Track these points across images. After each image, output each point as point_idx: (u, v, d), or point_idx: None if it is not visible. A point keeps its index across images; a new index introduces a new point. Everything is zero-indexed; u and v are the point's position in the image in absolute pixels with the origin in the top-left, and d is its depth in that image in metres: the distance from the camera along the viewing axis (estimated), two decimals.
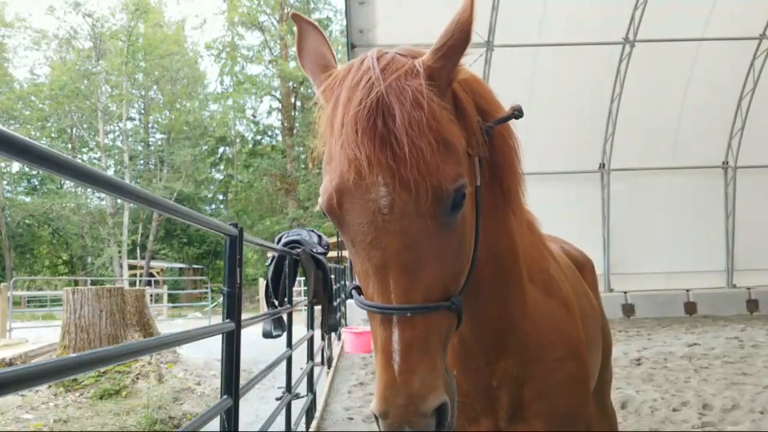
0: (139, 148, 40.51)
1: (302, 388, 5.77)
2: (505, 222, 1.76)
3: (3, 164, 35.19)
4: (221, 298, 3.07)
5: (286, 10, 41.52)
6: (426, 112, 1.29)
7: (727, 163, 17.59)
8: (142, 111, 41.61)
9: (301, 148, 39.57)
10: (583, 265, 2.83)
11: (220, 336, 2.79)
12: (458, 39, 1.40)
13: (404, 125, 1.27)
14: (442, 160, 1.29)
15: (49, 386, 8.26)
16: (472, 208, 1.46)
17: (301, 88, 41.59)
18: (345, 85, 1.38)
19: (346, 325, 13.96)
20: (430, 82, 1.35)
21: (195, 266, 41.22)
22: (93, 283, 27.99)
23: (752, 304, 16.71)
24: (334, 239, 17.66)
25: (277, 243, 5.36)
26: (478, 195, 1.48)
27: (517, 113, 1.67)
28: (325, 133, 1.40)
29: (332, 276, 9.49)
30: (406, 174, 1.26)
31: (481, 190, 1.56)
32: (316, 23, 1.66)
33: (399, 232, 1.29)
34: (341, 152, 1.31)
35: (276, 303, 5.05)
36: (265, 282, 5.59)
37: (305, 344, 6.17)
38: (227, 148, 43.93)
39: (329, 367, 9.17)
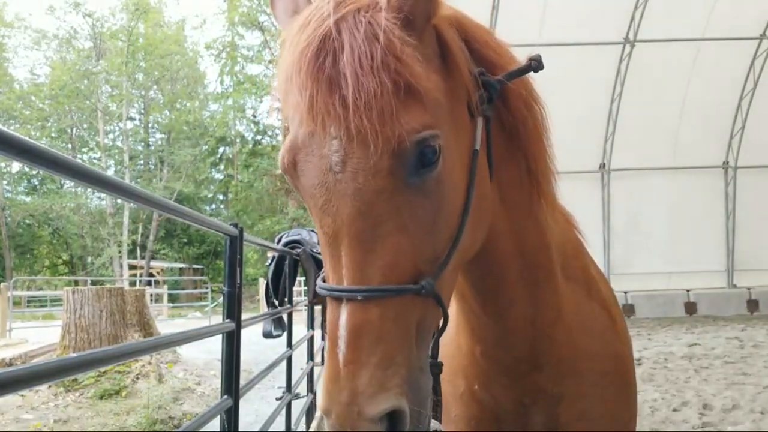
0: (139, 148, 40.53)
1: (302, 388, 5.76)
2: (533, 208, 1.49)
3: (3, 164, 35.18)
4: (221, 298, 3.07)
5: None
6: (382, 46, 1.05)
7: (728, 163, 17.59)
8: (142, 111, 41.61)
9: None
10: None
11: (220, 336, 2.78)
12: None
13: (353, 63, 1.04)
14: (401, 105, 1.05)
15: (49, 386, 8.26)
16: (462, 174, 1.20)
17: None
18: (297, 23, 1.17)
19: None
20: (395, 14, 1.10)
21: (195, 266, 41.20)
22: (93, 283, 28.00)
23: (752, 304, 16.70)
24: None
25: (277, 243, 5.36)
26: (474, 161, 1.22)
27: (534, 64, 1.40)
28: (278, 82, 1.18)
29: None
30: (356, 122, 1.03)
31: (499, 165, 1.35)
32: None
33: (351, 193, 1.06)
34: (287, 101, 1.13)
35: (276, 303, 5.05)
36: (265, 282, 5.58)
37: (305, 344, 6.16)
38: (227, 148, 43.90)
39: None
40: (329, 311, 1.11)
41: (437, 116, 1.12)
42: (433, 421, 1.37)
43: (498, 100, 1.36)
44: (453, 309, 1.72)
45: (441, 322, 1.21)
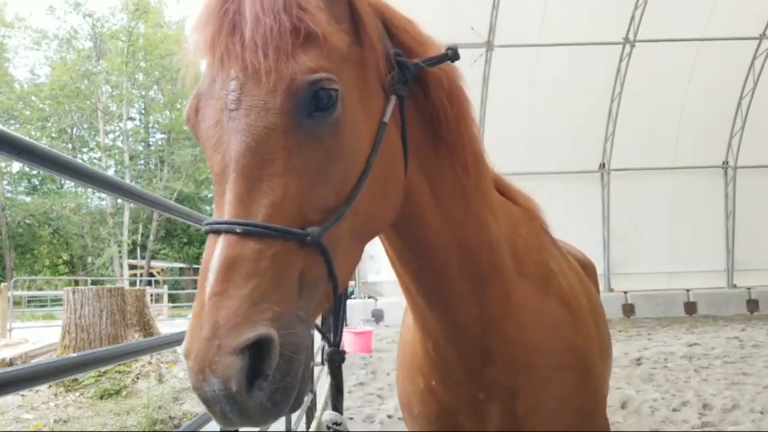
0: (140, 148, 40.54)
1: None
2: (470, 203, 1.50)
3: (3, 164, 35.19)
4: None
5: None
6: None
7: (727, 163, 17.60)
8: (143, 111, 41.62)
9: None
10: (585, 267, 2.60)
11: None
12: None
13: (254, 5, 1.07)
14: (298, 46, 1.07)
15: (50, 386, 8.26)
16: (366, 138, 1.19)
17: None
18: None
19: (346, 325, 13.97)
20: None
21: (195, 266, 41.17)
22: (93, 282, 28.02)
23: (752, 304, 16.71)
24: None
25: None
26: (381, 131, 1.22)
27: (451, 53, 1.39)
28: (189, 34, 1.20)
29: None
30: (251, 59, 1.05)
31: (426, 158, 1.40)
32: None
33: (242, 129, 1.05)
34: (195, 49, 1.14)
35: None
36: None
37: None
38: None
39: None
40: (206, 247, 1.05)
41: (337, 66, 1.13)
42: (331, 412, 1.37)
43: (417, 86, 1.38)
44: (406, 306, 1.74)
45: (332, 291, 1.14)
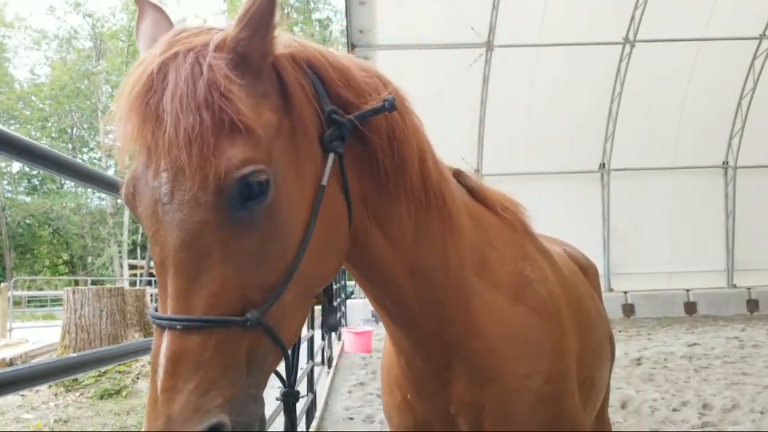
0: None
1: (302, 388, 5.77)
2: (422, 231, 1.52)
3: (3, 164, 35.20)
4: None
5: (285, 11, 41.54)
6: (204, 84, 1.08)
7: (727, 163, 17.60)
8: None
9: None
10: (586, 270, 2.63)
11: None
12: (262, 4, 1.14)
13: (173, 101, 1.08)
14: (222, 141, 1.08)
15: (50, 386, 8.27)
16: (303, 207, 1.21)
17: None
18: (136, 63, 1.21)
19: (346, 325, 13.98)
20: (227, 55, 1.14)
21: None
22: (93, 282, 28.02)
23: (752, 304, 16.71)
24: None
25: None
26: (320, 195, 1.23)
27: (387, 105, 1.38)
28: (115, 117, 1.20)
29: None
30: (176, 157, 1.07)
31: (372, 199, 1.42)
32: (158, 4, 1.46)
33: (177, 224, 1.08)
34: (122, 134, 1.16)
35: None
36: None
37: (305, 344, 6.17)
38: None
39: (329, 366, 9.17)
40: (154, 339, 1.09)
41: (266, 152, 1.13)
42: None
43: (354, 137, 1.37)
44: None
45: (281, 354, 1.19)
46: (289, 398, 1.36)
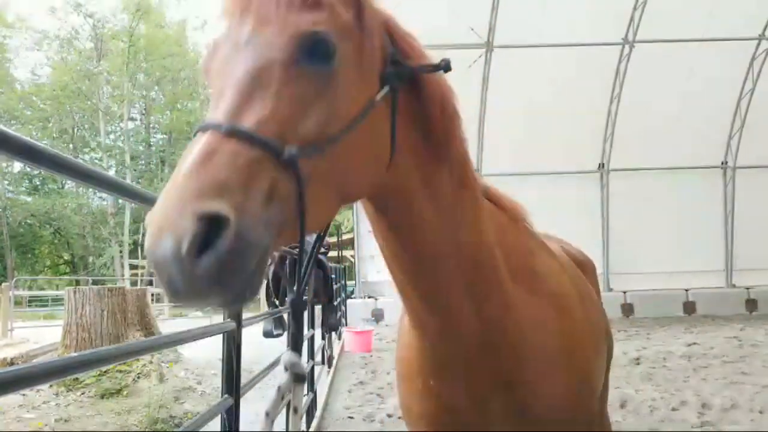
0: (141, 148, 40.57)
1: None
2: (464, 206, 1.60)
3: (5, 164, 35.22)
4: None
5: None
6: None
7: (726, 163, 17.61)
8: (144, 111, 41.67)
9: None
10: (584, 265, 2.67)
11: (221, 335, 2.80)
12: None
13: None
14: (306, 7, 1.24)
15: (51, 385, 8.28)
16: (357, 100, 1.30)
17: None
18: None
19: (346, 325, 13.99)
20: None
21: None
22: (94, 282, 28.00)
23: (751, 304, 16.72)
24: (334, 239, 17.70)
25: None
26: (369, 105, 1.32)
27: (444, 64, 1.51)
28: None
29: (332, 276, 9.51)
30: (267, 11, 1.22)
31: (422, 158, 1.50)
32: None
33: (246, 59, 1.18)
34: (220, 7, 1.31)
35: (277, 303, 5.07)
36: (265, 282, 5.61)
37: (306, 343, 6.19)
38: None
39: (329, 366, 9.18)
40: (192, 143, 1.11)
41: (338, 33, 1.27)
42: (291, 353, 1.43)
43: (413, 94, 1.49)
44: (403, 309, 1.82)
45: (298, 222, 1.18)
46: (298, 305, 1.42)
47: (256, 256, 1.04)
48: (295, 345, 1.34)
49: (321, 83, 1.22)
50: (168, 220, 0.98)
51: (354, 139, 1.27)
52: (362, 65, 1.35)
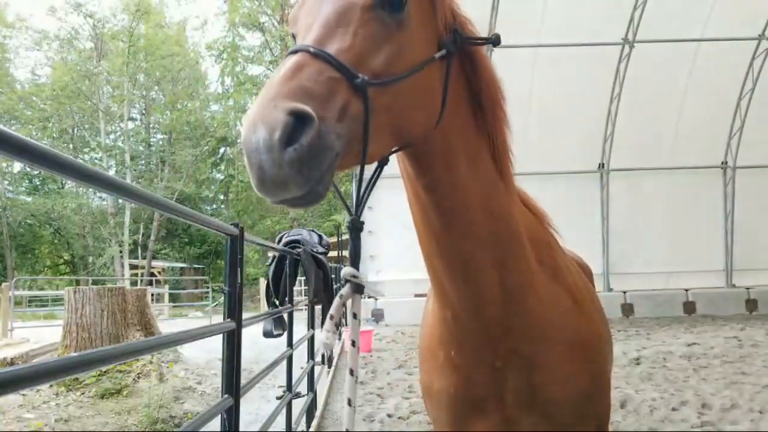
0: (141, 148, 40.53)
1: (303, 388, 5.79)
2: (495, 180, 1.73)
3: (5, 164, 35.22)
4: (222, 298, 3.09)
5: (286, 11, 41.53)
6: None
7: (726, 163, 17.60)
8: (144, 111, 41.67)
9: None
10: (582, 270, 2.65)
11: (221, 335, 2.80)
12: None
13: None
14: None
15: (51, 385, 8.29)
16: (419, 52, 1.47)
17: None
18: None
19: (346, 325, 13.99)
20: None
21: (196, 266, 41.21)
22: (94, 282, 28.03)
23: (751, 304, 16.72)
24: (334, 239, 17.70)
25: (278, 243, 5.38)
26: (428, 60, 1.49)
27: (494, 38, 1.68)
28: None
29: (333, 276, 9.50)
30: None
31: (467, 126, 1.66)
32: None
33: (331, 2, 1.37)
34: None
35: (277, 302, 5.07)
36: (265, 281, 5.60)
37: (306, 343, 6.19)
38: (228, 148, 43.91)
39: (330, 366, 9.18)
40: (282, 61, 1.29)
41: None
42: (350, 267, 1.52)
43: (469, 68, 1.67)
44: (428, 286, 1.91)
45: (363, 145, 1.33)
46: (357, 224, 1.49)
47: (329, 158, 1.21)
48: (354, 262, 1.50)
49: (391, 29, 1.40)
50: (262, 114, 1.14)
51: (412, 85, 1.43)
52: (427, 24, 1.52)
